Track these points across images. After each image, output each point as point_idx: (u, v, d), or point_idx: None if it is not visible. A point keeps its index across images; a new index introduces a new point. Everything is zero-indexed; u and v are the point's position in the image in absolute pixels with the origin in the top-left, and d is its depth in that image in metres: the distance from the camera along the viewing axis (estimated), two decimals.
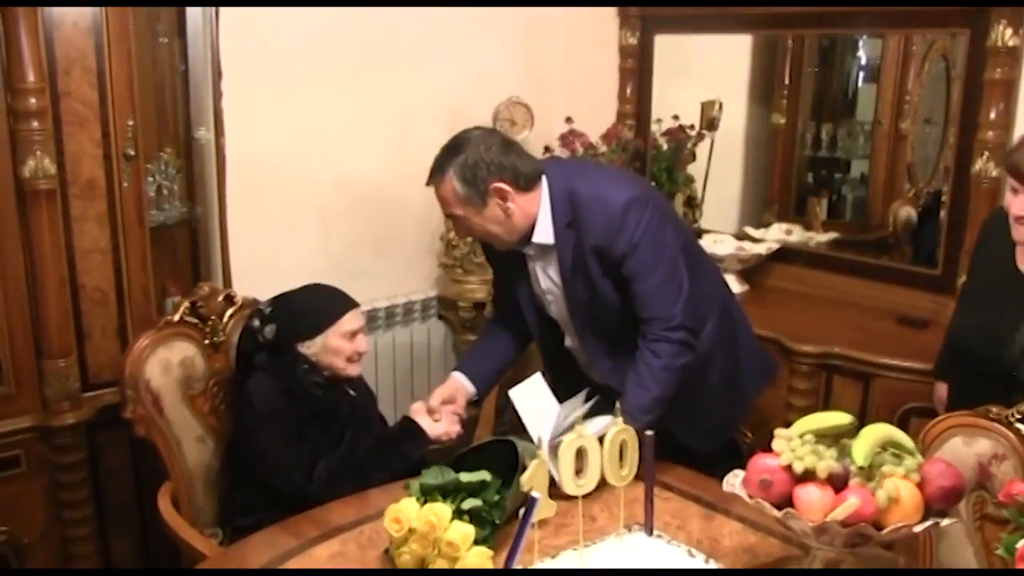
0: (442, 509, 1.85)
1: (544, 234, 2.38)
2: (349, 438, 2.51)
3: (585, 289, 2.40)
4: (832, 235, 3.87)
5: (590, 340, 2.49)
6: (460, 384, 2.59)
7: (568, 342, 2.60)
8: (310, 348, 2.49)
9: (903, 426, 2.77)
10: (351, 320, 2.52)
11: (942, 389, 2.64)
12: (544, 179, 2.38)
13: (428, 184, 2.38)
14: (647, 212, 2.32)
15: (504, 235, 2.39)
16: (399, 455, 2.41)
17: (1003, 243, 2.35)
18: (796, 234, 3.93)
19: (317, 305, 2.54)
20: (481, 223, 2.36)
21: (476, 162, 2.29)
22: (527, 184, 2.34)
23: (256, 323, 2.54)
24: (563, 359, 2.65)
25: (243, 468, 2.51)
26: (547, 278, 2.48)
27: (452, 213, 2.38)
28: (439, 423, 2.51)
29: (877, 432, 1.73)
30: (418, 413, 2.53)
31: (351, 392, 2.59)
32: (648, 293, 2.33)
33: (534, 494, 1.58)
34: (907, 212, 3.75)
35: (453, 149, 2.33)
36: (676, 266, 2.37)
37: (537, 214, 2.37)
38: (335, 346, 2.49)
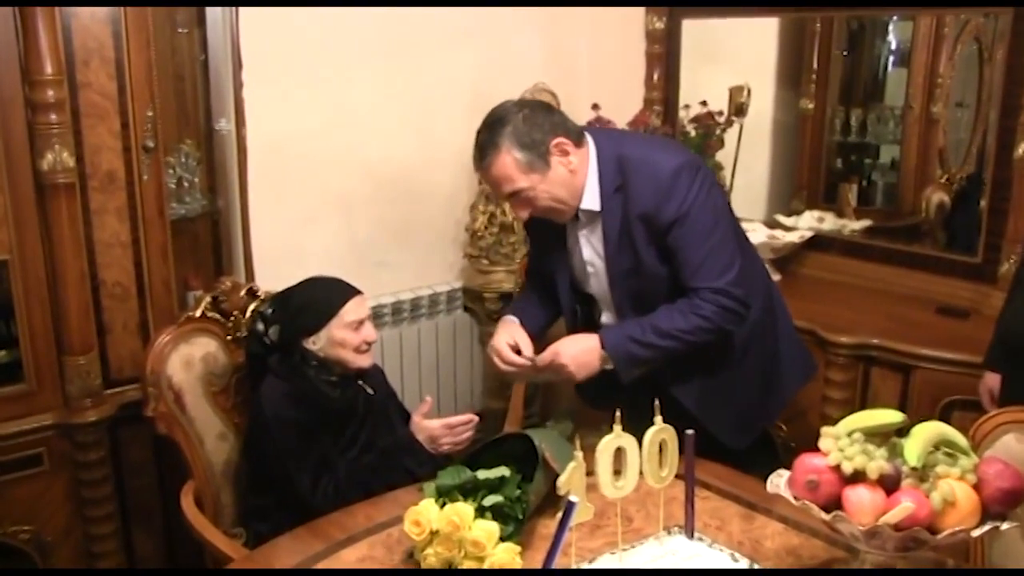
0: (464, 508, 1.80)
1: (591, 200, 2.30)
2: (364, 439, 2.45)
3: (630, 258, 2.32)
4: (865, 222, 3.79)
5: (628, 314, 2.39)
6: (517, 325, 2.47)
7: (605, 319, 2.49)
8: (316, 344, 2.42)
9: (944, 420, 2.67)
10: (353, 309, 2.44)
11: (992, 379, 2.54)
12: (591, 142, 2.31)
13: (479, 168, 2.27)
14: (697, 179, 2.25)
15: (570, 199, 2.28)
16: (402, 471, 2.33)
17: None
18: (828, 221, 3.86)
19: (316, 298, 2.46)
20: (548, 189, 2.25)
21: (529, 126, 2.21)
22: (578, 139, 2.27)
23: (260, 326, 2.49)
24: None
25: (256, 472, 2.47)
26: (591, 248, 2.39)
27: (515, 189, 2.24)
28: (441, 445, 2.44)
29: (930, 430, 1.65)
30: (421, 431, 2.45)
31: (368, 390, 2.52)
32: (698, 263, 2.25)
33: (572, 498, 1.52)
34: (940, 198, 3.67)
35: (497, 122, 2.23)
36: (727, 236, 2.30)
37: (587, 176, 2.29)
38: (340, 338, 2.41)
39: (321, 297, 2.46)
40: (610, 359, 2.29)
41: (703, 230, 2.24)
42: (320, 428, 2.36)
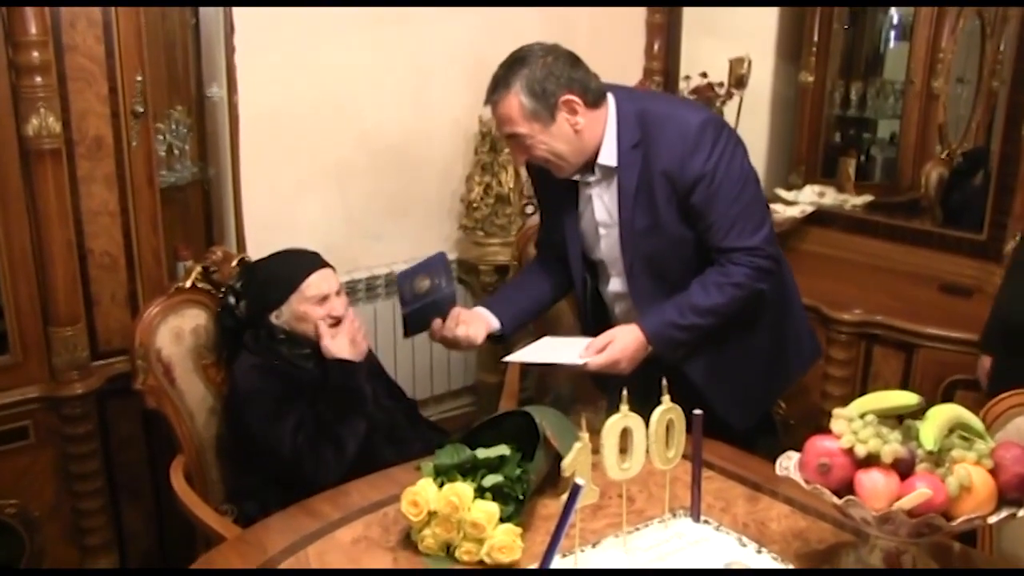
0: (463, 488, 1.76)
1: (608, 156, 2.26)
2: (322, 398, 2.38)
3: (647, 216, 2.27)
4: (866, 197, 3.76)
5: (639, 279, 2.36)
6: (480, 315, 2.45)
7: (612, 286, 2.45)
8: (279, 318, 2.39)
9: (947, 399, 2.66)
10: (316, 283, 2.38)
11: (988, 362, 2.51)
12: (611, 99, 2.27)
13: (487, 102, 2.24)
14: (723, 135, 2.22)
15: (571, 156, 2.25)
16: (348, 393, 2.30)
17: None
18: (829, 196, 3.82)
19: (280, 271, 2.43)
20: (547, 141, 2.21)
21: (545, 75, 2.16)
22: (595, 100, 2.23)
23: (231, 300, 2.45)
24: (598, 310, 2.53)
25: (237, 450, 2.43)
26: (603, 208, 2.34)
27: (515, 132, 2.21)
28: (339, 338, 2.37)
29: (945, 413, 1.61)
30: (336, 348, 2.38)
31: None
32: (730, 221, 2.22)
33: (578, 481, 1.46)
34: (939, 173, 3.65)
35: (517, 62, 2.19)
36: (758, 194, 2.28)
37: (603, 135, 2.25)
38: (302, 312, 2.37)
39: (284, 270, 2.42)
40: (655, 348, 2.27)
41: (733, 187, 2.21)
42: (295, 396, 2.32)
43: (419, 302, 2.37)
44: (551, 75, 2.17)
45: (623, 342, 2.26)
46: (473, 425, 2.07)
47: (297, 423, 2.28)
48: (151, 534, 2.86)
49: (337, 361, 2.36)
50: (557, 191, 2.39)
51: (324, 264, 2.44)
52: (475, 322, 2.41)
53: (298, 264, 2.43)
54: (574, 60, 2.24)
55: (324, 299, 2.39)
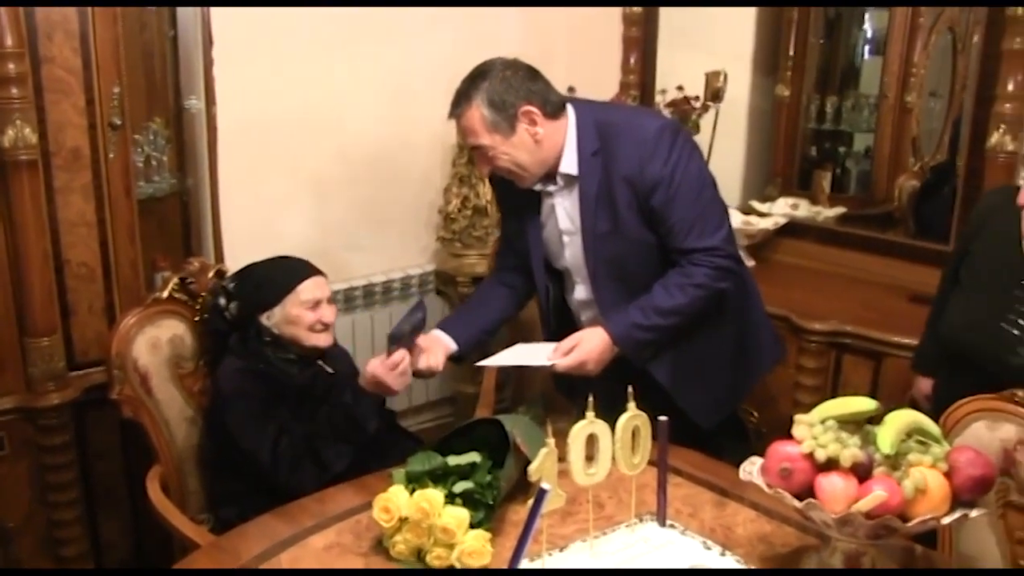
0: (434, 495, 1.78)
1: (569, 164, 2.32)
2: (324, 415, 2.38)
3: (608, 220, 2.33)
4: (839, 209, 3.80)
5: (603, 285, 2.41)
6: (438, 339, 2.48)
7: (577, 293, 2.50)
8: (271, 319, 2.42)
9: (915, 406, 2.69)
10: (310, 288, 2.42)
11: (924, 384, 2.57)
12: (571, 110, 2.34)
13: (451, 116, 2.31)
14: (679, 140, 2.28)
15: (532, 166, 2.31)
16: (350, 421, 2.31)
17: (1007, 225, 2.21)
18: (802, 208, 3.86)
19: (276, 275, 2.46)
20: (509, 151, 2.28)
21: (505, 88, 2.24)
22: (554, 111, 2.30)
23: (222, 301, 2.47)
24: (563, 318, 2.57)
25: (219, 455, 2.44)
26: (566, 216, 2.40)
27: (478, 144, 2.29)
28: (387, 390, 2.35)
29: (902, 418, 1.65)
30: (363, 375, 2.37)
31: (328, 370, 2.50)
32: (690, 222, 2.28)
33: (544, 485, 1.49)
34: (913, 186, 3.69)
35: (478, 76, 2.27)
36: (716, 195, 2.35)
37: (563, 144, 2.32)
38: (294, 315, 2.40)
39: (280, 274, 2.45)
40: (621, 349, 2.32)
41: (691, 189, 2.27)
42: (278, 401, 2.35)
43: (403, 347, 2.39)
44: (510, 87, 2.24)
45: (589, 344, 2.31)
46: (445, 433, 2.10)
47: (279, 429, 2.31)
48: (128, 544, 2.86)
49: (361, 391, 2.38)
50: (520, 202, 2.45)
51: (318, 271, 2.48)
52: (433, 348, 2.44)
53: (294, 269, 2.47)
54: (533, 73, 2.31)
55: (316, 304, 2.42)
